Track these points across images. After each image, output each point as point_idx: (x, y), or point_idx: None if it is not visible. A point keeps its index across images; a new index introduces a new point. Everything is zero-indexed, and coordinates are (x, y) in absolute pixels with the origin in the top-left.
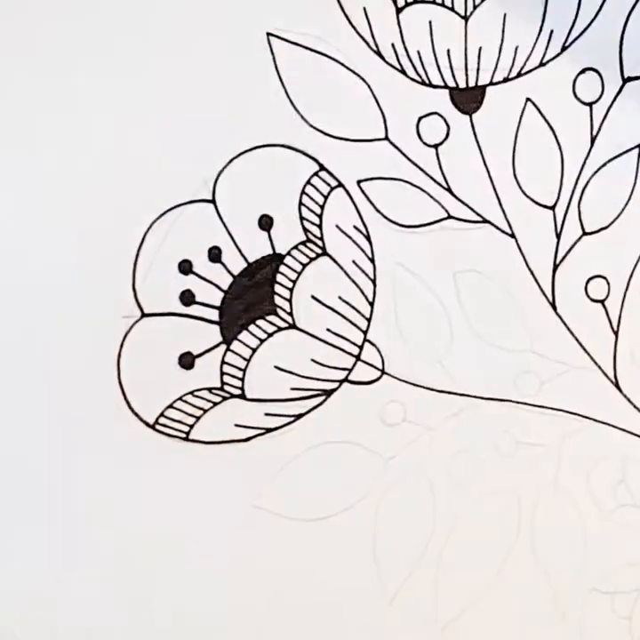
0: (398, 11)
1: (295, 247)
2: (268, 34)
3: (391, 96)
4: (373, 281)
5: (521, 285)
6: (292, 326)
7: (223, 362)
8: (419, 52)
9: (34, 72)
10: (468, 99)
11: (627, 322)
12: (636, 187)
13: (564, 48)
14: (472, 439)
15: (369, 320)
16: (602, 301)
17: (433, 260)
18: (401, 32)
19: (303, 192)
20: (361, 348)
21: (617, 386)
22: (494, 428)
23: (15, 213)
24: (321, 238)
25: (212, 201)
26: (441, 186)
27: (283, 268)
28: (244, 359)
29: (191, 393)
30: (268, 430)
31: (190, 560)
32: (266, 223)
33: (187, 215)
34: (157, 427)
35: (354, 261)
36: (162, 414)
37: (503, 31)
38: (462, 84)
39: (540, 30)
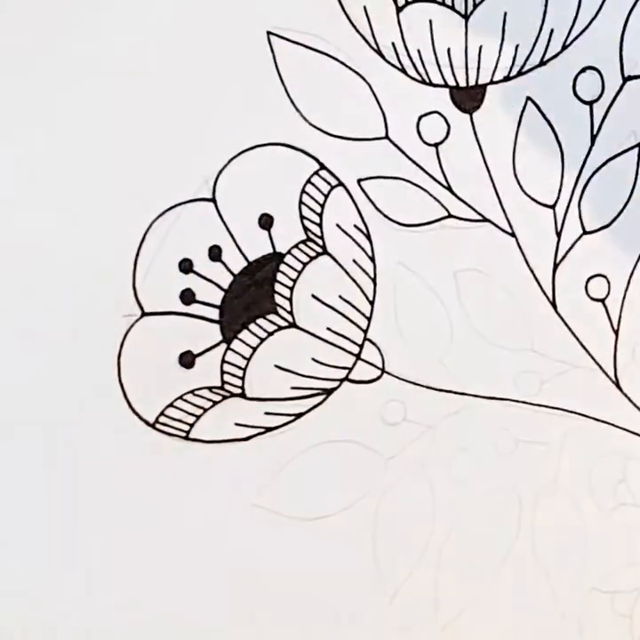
0: (398, 9)
1: (295, 246)
2: (269, 32)
3: (391, 95)
4: (374, 280)
5: (521, 284)
6: (293, 325)
7: (223, 361)
8: (419, 51)
9: (33, 72)
10: (469, 97)
11: (627, 321)
12: (637, 186)
13: (564, 47)
14: (472, 438)
15: (369, 319)
16: (602, 300)
17: (433, 259)
18: (401, 31)
19: (303, 191)
20: (361, 346)
21: (617, 385)
22: (494, 427)
23: (14, 212)
24: (321, 237)
25: (213, 200)
26: (441, 185)
27: (283, 267)
28: (245, 358)
29: (191, 392)
30: (269, 429)
31: (190, 559)
32: (266, 222)
33: (187, 214)
34: (157, 426)
35: (354, 260)
36: (162, 413)
37: (503, 30)
38: (463, 83)
39: (541, 29)
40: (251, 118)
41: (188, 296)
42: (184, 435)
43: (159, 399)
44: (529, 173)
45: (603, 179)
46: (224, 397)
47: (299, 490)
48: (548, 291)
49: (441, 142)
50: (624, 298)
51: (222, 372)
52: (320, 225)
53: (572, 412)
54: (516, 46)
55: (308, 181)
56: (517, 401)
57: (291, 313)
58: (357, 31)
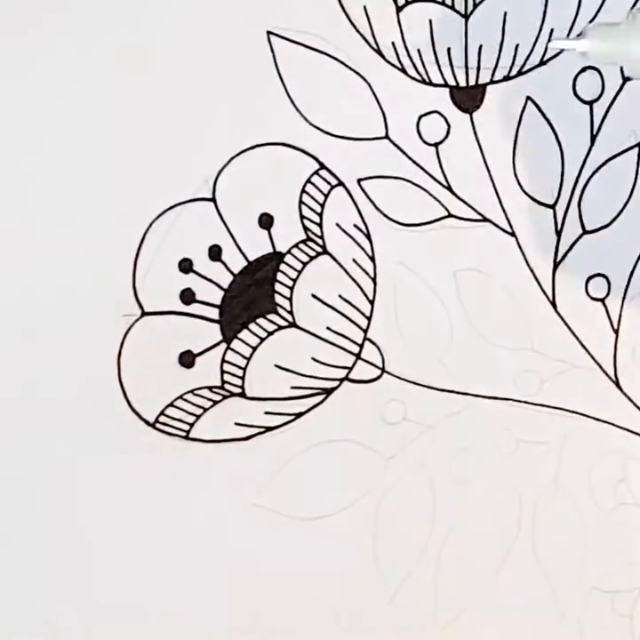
0: (398, 9)
1: (295, 246)
2: (269, 32)
3: (391, 94)
4: (374, 279)
5: (521, 284)
6: (293, 325)
7: (223, 360)
8: (419, 51)
9: (33, 72)
10: (469, 97)
11: (627, 320)
12: (637, 185)
13: None
14: (472, 438)
15: (369, 318)
16: (602, 300)
17: (433, 259)
18: (401, 30)
19: (303, 190)
20: (361, 346)
21: (617, 384)
22: (495, 427)
23: (14, 212)
24: (321, 237)
25: (213, 199)
26: (441, 184)
27: (283, 267)
28: (245, 358)
29: (191, 391)
30: (269, 429)
31: (190, 558)
32: (266, 222)
33: (187, 213)
34: (158, 425)
35: (354, 260)
36: (162, 413)
37: (503, 29)
38: (463, 83)
39: (541, 29)
40: (251, 118)
41: (187, 296)
42: (184, 434)
43: (159, 399)
44: (529, 173)
45: (603, 178)
46: (224, 397)
47: (299, 489)
48: (547, 290)
49: (441, 142)
50: (624, 297)
51: (222, 372)
52: (320, 224)
53: (572, 411)
54: (516, 46)
55: (308, 181)
56: (517, 400)
57: (291, 312)
58: (357, 31)
